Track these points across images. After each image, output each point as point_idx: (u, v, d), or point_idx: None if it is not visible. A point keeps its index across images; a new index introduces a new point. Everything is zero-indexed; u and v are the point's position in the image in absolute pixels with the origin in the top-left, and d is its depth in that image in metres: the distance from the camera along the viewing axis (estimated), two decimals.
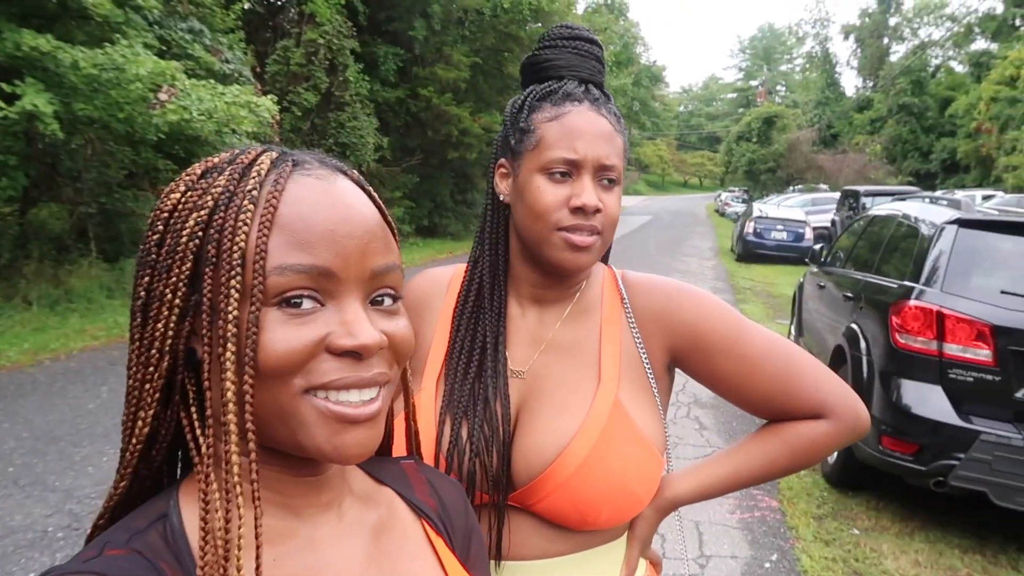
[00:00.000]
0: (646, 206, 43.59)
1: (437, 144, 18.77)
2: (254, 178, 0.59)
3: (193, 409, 0.61)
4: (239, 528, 0.55)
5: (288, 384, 0.56)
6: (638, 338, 1.09)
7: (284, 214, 0.57)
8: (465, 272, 1.14)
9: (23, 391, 5.80)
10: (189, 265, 0.58)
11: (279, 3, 17.37)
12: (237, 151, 0.64)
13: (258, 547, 0.56)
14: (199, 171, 0.62)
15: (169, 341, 0.60)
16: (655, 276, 1.15)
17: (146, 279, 0.60)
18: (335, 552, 0.65)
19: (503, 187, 1.10)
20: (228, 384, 0.55)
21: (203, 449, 0.59)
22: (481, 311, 1.10)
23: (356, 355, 0.58)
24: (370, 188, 0.66)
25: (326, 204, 0.59)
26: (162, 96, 7.39)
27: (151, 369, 0.60)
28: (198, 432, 0.60)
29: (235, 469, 0.56)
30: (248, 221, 0.57)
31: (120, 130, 8.14)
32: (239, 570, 0.54)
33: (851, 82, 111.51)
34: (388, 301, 0.62)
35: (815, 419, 1.08)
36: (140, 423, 0.61)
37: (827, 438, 1.07)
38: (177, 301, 0.59)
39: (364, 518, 0.69)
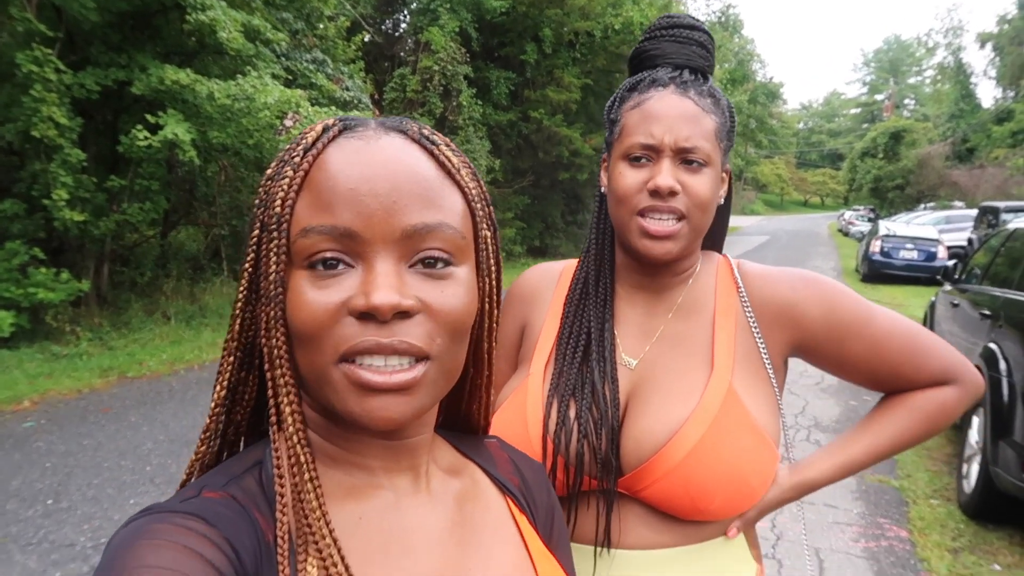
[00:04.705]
0: (763, 226, 42.20)
1: (548, 165, 18.92)
2: (300, 145, 0.60)
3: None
4: (309, 479, 0.57)
5: (322, 351, 0.56)
6: (755, 328, 1.07)
7: (314, 177, 0.58)
8: (577, 264, 1.17)
9: (160, 398, 6.23)
10: (256, 232, 0.60)
11: (397, 34, 18.10)
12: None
13: (319, 498, 0.57)
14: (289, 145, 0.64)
15: (239, 305, 0.61)
16: (775, 267, 1.13)
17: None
18: (417, 515, 0.64)
19: (604, 179, 1.12)
20: (272, 342, 0.57)
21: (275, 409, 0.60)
22: (587, 298, 1.11)
23: (374, 318, 0.55)
24: (437, 147, 0.62)
25: (354, 163, 0.58)
26: (288, 123, 7.82)
27: (229, 334, 0.63)
28: (269, 394, 0.60)
29: (289, 420, 0.57)
30: (285, 187, 0.58)
31: (249, 156, 8.68)
32: (322, 515, 0.56)
33: (989, 93, 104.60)
34: (439, 264, 0.59)
35: (940, 386, 1.09)
36: (218, 387, 0.63)
37: (955, 401, 1.09)
38: (247, 267, 0.61)
39: (448, 487, 0.69)
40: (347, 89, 10.94)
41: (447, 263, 0.59)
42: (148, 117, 7.40)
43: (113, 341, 7.92)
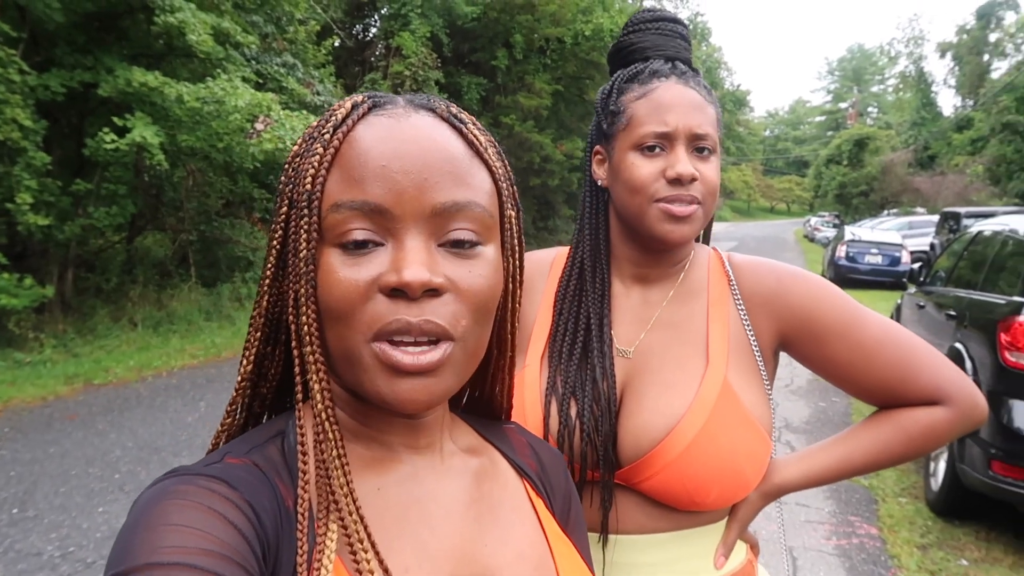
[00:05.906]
0: (731, 232, 42.65)
1: (519, 171, 18.95)
2: (330, 122, 0.60)
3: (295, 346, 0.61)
4: (338, 455, 0.57)
5: (354, 329, 0.56)
6: (746, 320, 1.08)
7: (345, 154, 0.58)
8: (567, 255, 1.16)
9: (128, 405, 6.11)
10: (284, 210, 0.60)
11: (368, 39, 18.02)
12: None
13: (347, 475, 0.57)
14: (316, 123, 0.65)
15: (267, 282, 0.62)
16: (764, 259, 1.14)
17: (271, 227, 0.63)
18: (436, 488, 0.65)
19: (600, 172, 1.12)
20: (303, 319, 0.57)
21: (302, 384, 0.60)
22: (584, 291, 1.10)
23: (404, 295, 0.55)
24: (464, 124, 0.62)
25: (385, 140, 0.57)
26: (259, 126, 7.74)
27: (256, 310, 0.63)
28: (296, 371, 0.60)
29: (318, 396, 0.57)
30: (316, 164, 0.58)
31: (219, 160, 8.58)
32: (349, 491, 0.56)
33: (949, 101, 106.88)
34: (467, 245, 0.58)
35: (931, 406, 1.04)
36: (244, 361, 0.64)
37: (944, 424, 1.04)
38: (275, 244, 0.61)
39: (467, 464, 0.70)
40: (318, 93, 10.88)
41: (475, 243, 0.59)
42: (115, 120, 7.29)
43: (78, 348, 7.77)
